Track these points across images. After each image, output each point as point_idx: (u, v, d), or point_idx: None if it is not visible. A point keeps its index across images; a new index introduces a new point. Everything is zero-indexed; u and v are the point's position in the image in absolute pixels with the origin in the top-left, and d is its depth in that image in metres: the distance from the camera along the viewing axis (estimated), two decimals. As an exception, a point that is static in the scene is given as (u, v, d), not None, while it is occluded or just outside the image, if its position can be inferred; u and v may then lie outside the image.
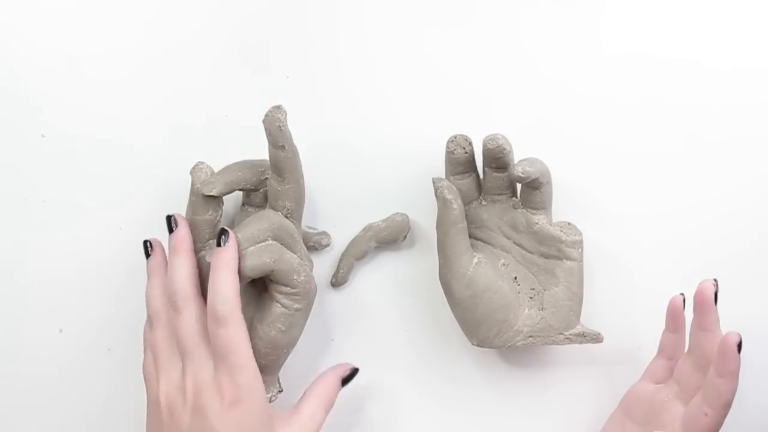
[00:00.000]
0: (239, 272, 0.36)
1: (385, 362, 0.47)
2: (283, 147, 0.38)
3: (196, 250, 0.40)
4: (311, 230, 0.46)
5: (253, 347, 0.37)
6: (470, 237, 0.44)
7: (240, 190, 0.41)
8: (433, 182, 0.42)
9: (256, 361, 0.37)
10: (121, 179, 0.47)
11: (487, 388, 0.47)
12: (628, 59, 0.47)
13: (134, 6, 0.48)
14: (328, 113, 0.48)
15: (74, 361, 0.47)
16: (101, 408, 0.47)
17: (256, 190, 0.42)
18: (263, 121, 0.38)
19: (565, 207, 0.45)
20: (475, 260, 0.42)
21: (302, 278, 0.38)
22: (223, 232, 0.37)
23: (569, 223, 0.43)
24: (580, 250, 0.42)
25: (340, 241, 0.46)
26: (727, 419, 0.42)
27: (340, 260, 0.46)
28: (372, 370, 0.46)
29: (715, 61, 0.46)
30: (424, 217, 0.46)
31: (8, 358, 0.47)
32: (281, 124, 0.38)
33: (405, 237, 0.46)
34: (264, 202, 0.42)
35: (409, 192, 0.47)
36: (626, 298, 0.46)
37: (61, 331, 0.47)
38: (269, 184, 0.40)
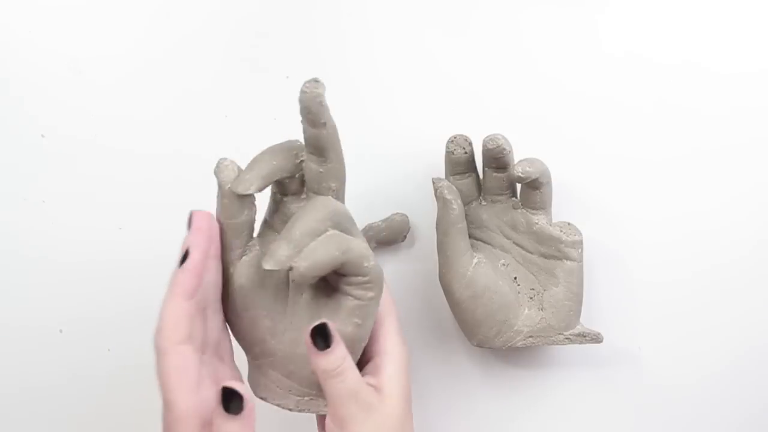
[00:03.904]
0: (302, 272, 0.32)
1: (385, 362, 0.47)
2: (324, 124, 0.34)
3: (236, 257, 0.36)
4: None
5: None
6: (470, 237, 0.44)
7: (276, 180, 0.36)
8: (433, 182, 0.42)
9: None
10: (120, 179, 0.47)
11: (487, 388, 0.47)
12: (628, 60, 0.47)
13: (134, 7, 0.48)
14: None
15: (74, 361, 0.47)
16: (101, 408, 0.47)
17: (291, 177, 0.36)
18: (300, 99, 0.34)
19: (565, 207, 0.45)
20: (475, 260, 0.42)
21: (372, 263, 0.35)
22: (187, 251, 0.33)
23: (569, 223, 0.43)
24: (579, 250, 0.42)
25: (340, 241, 0.46)
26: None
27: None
28: (372, 370, 0.46)
29: (715, 62, 0.46)
30: (424, 217, 0.46)
31: (8, 358, 0.47)
32: (322, 99, 0.33)
33: (405, 237, 0.46)
34: (300, 189, 0.37)
35: (409, 192, 0.47)
36: (626, 298, 0.46)
37: (61, 331, 0.47)
38: (307, 167, 0.36)
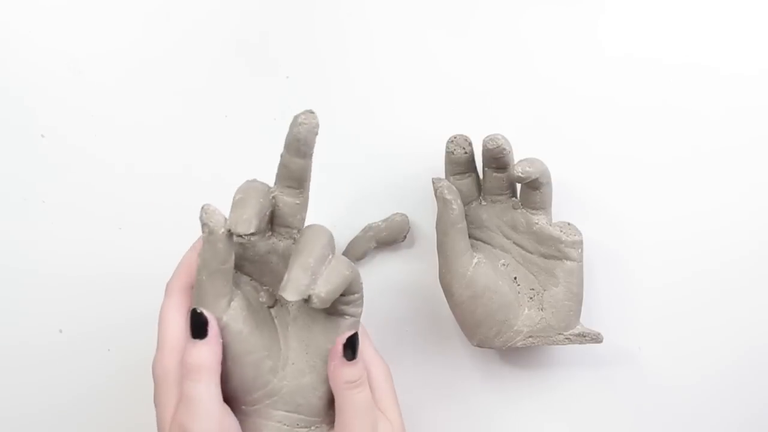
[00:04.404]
0: (324, 298, 0.33)
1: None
2: (311, 155, 0.35)
3: (225, 305, 0.35)
4: None
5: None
6: (470, 237, 0.44)
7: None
8: (433, 182, 0.42)
9: None
10: (120, 179, 0.47)
11: (487, 388, 0.47)
12: (629, 60, 0.47)
13: (133, 6, 0.48)
14: (328, 114, 0.47)
15: (74, 361, 0.47)
16: (101, 408, 0.47)
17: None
18: (297, 131, 0.34)
19: (565, 207, 0.45)
20: (475, 260, 0.42)
21: (360, 279, 0.36)
22: (202, 319, 0.33)
23: (569, 223, 0.43)
24: (579, 250, 0.42)
25: (340, 242, 0.46)
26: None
27: (340, 260, 0.46)
28: (372, 370, 0.46)
29: (715, 63, 0.46)
30: (424, 217, 0.46)
31: (8, 358, 0.47)
32: (318, 129, 0.34)
33: (405, 237, 0.46)
34: (267, 227, 0.37)
35: (409, 192, 0.47)
36: (626, 299, 0.46)
37: (61, 331, 0.47)
38: (282, 201, 0.36)
